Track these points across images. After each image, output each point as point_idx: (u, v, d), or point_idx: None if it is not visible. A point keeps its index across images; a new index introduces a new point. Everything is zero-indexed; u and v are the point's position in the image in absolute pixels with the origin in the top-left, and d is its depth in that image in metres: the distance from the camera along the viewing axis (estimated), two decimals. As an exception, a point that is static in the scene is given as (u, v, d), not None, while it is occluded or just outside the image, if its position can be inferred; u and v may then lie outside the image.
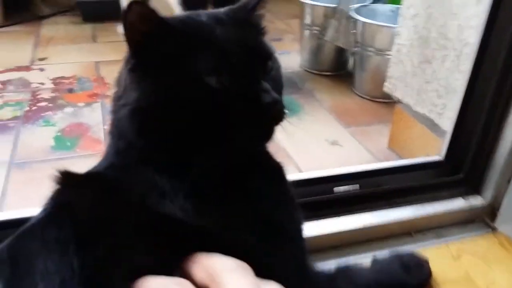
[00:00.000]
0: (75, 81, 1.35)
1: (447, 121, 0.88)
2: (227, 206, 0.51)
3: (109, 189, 0.48)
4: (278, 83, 0.49)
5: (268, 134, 0.48)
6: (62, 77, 1.36)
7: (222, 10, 0.52)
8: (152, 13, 0.42)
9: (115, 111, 0.50)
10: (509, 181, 0.76)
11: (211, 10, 0.52)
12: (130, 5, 0.41)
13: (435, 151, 0.91)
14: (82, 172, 0.48)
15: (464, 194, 0.88)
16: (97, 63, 1.47)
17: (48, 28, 1.73)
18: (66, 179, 0.47)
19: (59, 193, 0.47)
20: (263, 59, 0.47)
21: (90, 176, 0.50)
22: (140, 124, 0.45)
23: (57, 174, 0.47)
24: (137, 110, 0.44)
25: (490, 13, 0.78)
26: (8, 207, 0.86)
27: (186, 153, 0.46)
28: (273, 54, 0.49)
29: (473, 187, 0.88)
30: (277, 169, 0.59)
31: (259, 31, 0.51)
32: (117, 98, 0.50)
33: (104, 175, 0.50)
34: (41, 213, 0.46)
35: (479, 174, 0.86)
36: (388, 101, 1.20)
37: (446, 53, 0.91)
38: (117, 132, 0.51)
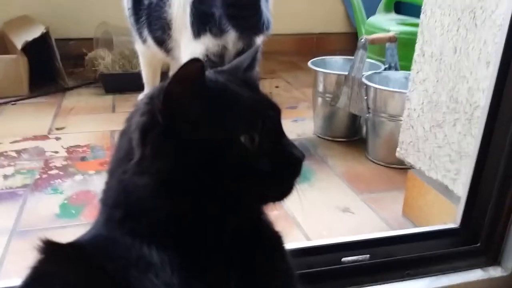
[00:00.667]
0: (88, 150, 1.36)
1: (462, 187, 0.83)
2: (218, 282, 0.48)
3: (92, 261, 0.46)
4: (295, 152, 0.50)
5: (292, 188, 0.49)
6: (77, 146, 1.39)
7: (226, 69, 0.53)
8: (203, 75, 0.43)
9: (119, 180, 0.48)
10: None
11: (218, 69, 0.53)
12: (187, 63, 0.42)
13: (451, 218, 0.86)
14: (66, 242, 0.46)
15: (483, 264, 0.81)
16: (112, 132, 1.49)
17: (70, 99, 1.79)
18: (49, 249, 0.45)
19: (40, 263, 0.45)
20: (279, 114, 0.49)
21: (74, 246, 0.48)
22: (168, 193, 0.44)
23: (40, 243, 0.45)
24: (169, 180, 0.44)
25: (499, 75, 0.76)
26: (4, 276, 0.83)
27: (200, 219, 0.45)
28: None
29: (492, 257, 0.81)
30: (275, 239, 0.56)
31: (257, 87, 0.52)
32: (122, 162, 0.48)
33: (89, 245, 0.48)
34: (22, 282, 0.44)
35: (498, 243, 0.80)
36: (402, 167, 1.16)
37: (457, 117, 0.88)
38: (113, 200, 0.49)
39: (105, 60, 1.94)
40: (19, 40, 1.85)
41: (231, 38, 1.24)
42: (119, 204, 0.48)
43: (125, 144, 0.48)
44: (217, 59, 1.27)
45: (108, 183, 0.51)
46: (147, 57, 1.64)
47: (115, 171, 0.49)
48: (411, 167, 1.03)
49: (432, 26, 0.93)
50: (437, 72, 0.92)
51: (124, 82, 1.88)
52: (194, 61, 0.43)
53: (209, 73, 0.51)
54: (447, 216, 0.90)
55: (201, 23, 1.24)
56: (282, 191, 0.50)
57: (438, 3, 0.91)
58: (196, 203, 0.46)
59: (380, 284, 0.77)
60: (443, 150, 0.92)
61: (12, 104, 1.74)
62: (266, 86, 2.03)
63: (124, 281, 0.45)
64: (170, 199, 0.45)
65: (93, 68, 1.96)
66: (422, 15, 0.96)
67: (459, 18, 0.86)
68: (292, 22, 2.64)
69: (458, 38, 0.86)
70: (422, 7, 0.96)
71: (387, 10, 1.94)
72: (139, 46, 1.61)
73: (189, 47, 1.29)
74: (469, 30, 0.84)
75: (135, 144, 0.46)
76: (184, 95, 0.43)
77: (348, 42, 2.69)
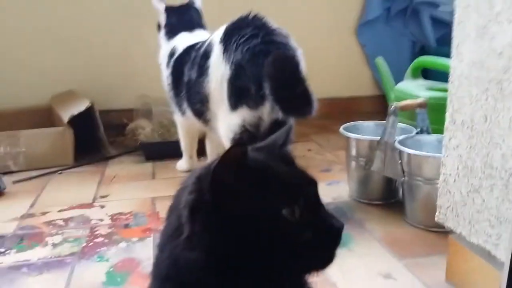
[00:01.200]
0: (131, 217, 1.42)
1: (504, 252, 0.83)
2: None
3: None
4: (336, 224, 0.53)
5: (333, 257, 0.53)
6: (120, 213, 1.45)
7: (264, 146, 0.58)
8: (246, 158, 0.48)
9: (170, 255, 0.52)
10: None
11: (257, 147, 0.58)
12: (231, 148, 0.47)
13: (495, 284, 0.85)
14: None
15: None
16: (153, 198, 1.55)
17: (113, 168, 1.89)
18: None
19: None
20: (316, 188, 0.53)
21: None
22: (217, 267, 0.49)
23: None
24: (215, 255, 0.48)
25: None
26: None
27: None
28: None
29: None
30: None
31: (293, 162, 0.57)
32: (172, 237, 0.53)
33: None
34: None
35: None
36: (443, 231, 1.16)
37: (493, 182, 0.89)
38: (164, 273, 0.53)
39: (145, 130, 2.05)
40: (66, 113, 1.99)
41: (267, 110, 1.31)
42: (170, 277, 0.52)
43: (174, 220, 0.53)
44: (253, 128, 1.33)
45: (158, 257, 0.55)
46: (185, 128, 1.73)
47: (165, 245, 0.53)
48: (451, 231, 1.03)
49: (461, 96, 0.97)
50: (470, 139, 0.95)
51: (163, 150, 1.98)
52: (237, 146, 0.48)
53: (249, 151, 0.56)
54: (492, 282, 0.89)
55: (238, 97, 1.31)
56: (323, 260, 0.53)
57: (465, 74, 0.96)
58: (243, 275, 0.49)
59: None
60: (482, 215, 0.92)
61: (59, 174, 1.84)
62: (299, 150, 2.08)
63: None
64: (219, 272, 0.49)
65: (134, 138, 2.07)
66: (450, 85, 1.01)
67: (487, 88, 0.90)
68: (322, 87, 2.71)
69: (487, 107, 0.90)
70: (450, 78, 1.01)
71: (414, 76, 2.00)
72: (178, 118, 1.71)
73: (226, 118, 1.36)
74: (497, 99, 0.87)
75: (184, 220, 0.50)
76: (229, 176, 0.48)
77: (376, 105, 2.75)
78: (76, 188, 1.69)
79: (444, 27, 2.66)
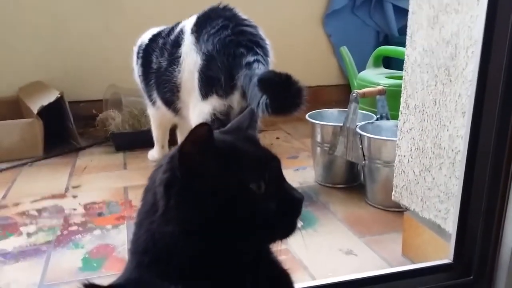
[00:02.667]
0: (104, 205, 1.45)
1: (452, 225, 0.92)
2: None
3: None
4: (297, 198, 0.59)
5: (295, 225, 0.59)
6: (93, 202, 1.47)
7: (230, 129, 0.63)
8: (211, 134, 0.53)
9: (148, 229, 0.57)
10: None
11: (224, 130, 0.62)
12: (196, 127, 0.51)
13: (445, 254, 0.94)
14: (105, 285, 0.55)
15: (475, 296, 0.88)
16: (125, 188, 1.59)
17: (83, 159, 1.90)
18: None
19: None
20: (279, 164, 0.59)
21: (113, 287, 0.56)
22: (191, 238, 0.53)
23: (81, 287, 0.54)
24: (189, 229, 0.52)
25: (473, 123, 0.86)
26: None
27: (219, 258, 0.54)
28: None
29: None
30: (285, 277, 0.65)
31: (258, 142, 0.62)
32: (148, 214, 0.57)
33: (125, 287, 0.57)
34: None
35: (489, 276, 0.87)
36: (399, 210, 1.24)
37: (442, 161, 0.98)
38: (142, 247, 0.58)
39: (115, 120, 2.06)
40: (35, 104, 1.99)
41: (236, 98, 1.36)
42: (148, 250, 0.56)
43: (150, 199, 0.57)
44: (223, 116, 1.38)
45: (136, 234, 0.60)
46: (157, 119, 1.76)
47: (143, 222, 0.58)
48: (406, 209, 1.12)
49: (414, 82, 1.05)
50: (421, 122, 1.03)
51: (133, 140, 2.00)
52: (202, 125, 0.52)
53: (217, 133, 0.61)
54: (442, 253, 0.97)
55: (208, 86, 1.36)
56: (286, 229, 0.57)
57: (418, 62, 1.03)
58: (215, 244, 0.54)
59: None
60: (433, 192, 1.01)
61: (29, 166, 1.84)
62: (268, 138, 2.14)
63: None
64: (193, 243, 0.54)
65: (104, 128, 2.08)
66: (404, 73, 1.08)
67: (436, 75, 0.98)
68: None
69: (436, 92, 0.98)
70: (404, 65, 1.08)
71: (376, 65, 2.09)
72: (150, 109, 1.74)
73: (197, 107, 1.41)
74: (445, 85, 0.95)
75: (159, 197, 0.55)
76: (196, 154, 0.51)
77: (342, 94, 2.83)
78: (48, 179, 1.70)
79: (406, 16, 2.76)
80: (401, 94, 1.09)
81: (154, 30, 1.68)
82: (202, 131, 0.51)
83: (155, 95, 1.61)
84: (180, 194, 0.53)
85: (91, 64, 2.51)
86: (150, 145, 1.88)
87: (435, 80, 0.98)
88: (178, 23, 1.56)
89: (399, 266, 1.08)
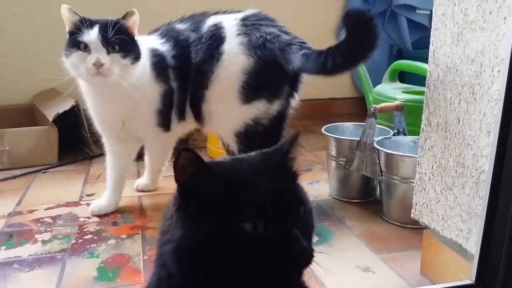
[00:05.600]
0: (119, 215, 1.45)
1: (474, 245, 0.90)
2: None
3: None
4: (308, 225, 0.57)
5: (295, 277, 0.55)
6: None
7: (258, 156, 0.60)
8: (198, 159, 0.52)
9: (160, 245, 0.57)
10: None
11: (250, 156, 0.60)
12: (180, 151, 0.51)
13: (466, 275, 0.92)
14: None
15: (497, 319, 0.86)
16: (139, 197, 1.58)
17: (97, 167, 1.90)
18: None
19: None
20: (296, 206, 0.55)
21: None
22: (180, 260, 0.53)
23: None
24: (179, 248, 0.52)
25: (499, 143, 0.85)
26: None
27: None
28: (305, 199, 0.57)
29: (506, 311, 0.86)
30: None
31: (293, 176, 0.59)
32: (163, 232, 0.58)
33: None
34: None
35: (513, 299, 0.85)
36: (417, 227, 1.23)
37: (465, 180, 0.97)
38: (160, 261, 0.59)
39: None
40: (50, 112, 2.00)
41: (277, 104, 1.40)
42: (164, 265, 0.57)
43: (164, 216, 0.58)
44: (260, 122, 1.38)
45: (157, 247, 0.60)
46: (166, 142, 1.56)
47: (161, 238, 0.58)
48: (426, 227, 1.10)
49: (436, 99, 1.04)
50: (444, 140, 1.02)
51: (146, 149, 2.00)
52: (186, 150, 0.50)
53: (228, 159, 0.59)
54: (463, 273, 0.96)
55: (256, 89, 1.35)
56: (285, 278, 0.52)
57: (440, 78, 1.03)
58: (206, 272, 0.51)
59: None
60: (455, 211, 0.99)
61: (43, 172, 1.85)
62: (281, 150, 2.14)
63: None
64: (182, 265, 0.52)
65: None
66: (426, 89, 1.08)
67: (459, 93, 0.97)
68: (303, 89, 2.80)
69: (460, 110, 0.97)
70: (426, 82, 1.08)
71: (392, 79, 2.08)
72: (158, 136, 1.49)
73: (234, 110, 1.36)
74: (469, 103, 0.94)
75: (167, 216, 0.56)
76: (189, 178, 0.52)
77: (354, 107, 2.84)
78: (62, 186, 1.70)
79: (420, 30, 2.76)
80: (423, 111, 1.08)
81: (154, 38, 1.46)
82: (187, 155, 0.51)
83: (184, 105, 1.45)
84: (176, 214, 0.54)
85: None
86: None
87: (459, 98, 0.97)
88: (183, 20, 1.46)
89: (417, 285, 1.07)
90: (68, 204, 1.53)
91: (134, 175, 1.83)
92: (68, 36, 1.32)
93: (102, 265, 1.16)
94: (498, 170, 0.86)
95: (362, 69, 2.19)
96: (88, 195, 1.62)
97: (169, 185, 1.66)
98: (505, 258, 0.87)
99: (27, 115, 2.26)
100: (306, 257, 0.54)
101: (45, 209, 1.49)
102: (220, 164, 0.58)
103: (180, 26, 1.43)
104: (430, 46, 1.06)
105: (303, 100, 2.82)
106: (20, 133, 1.93)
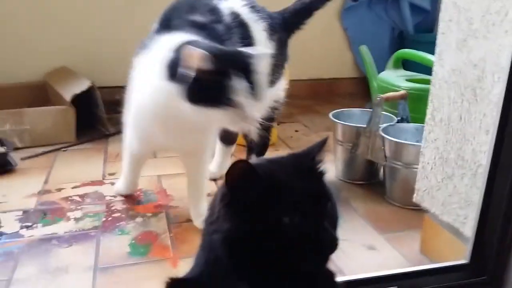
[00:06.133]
0: (141, 194, 1.56)
1: (470, 229, 1.03)
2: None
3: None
4: (334, 217, 0.68)
5: (324, 261, 0.66)
6: (130, 190, 1.58)
7: (290, 158, 0.71)
8: (252, 170, 0.62)
9: (208, 232, 0.68)
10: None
11: (282, 157, 0.70)
12: (235, 163, 0.61)
13: (462, 255, 1.05)
14: (184, 278, 0.66)
15: (489, 295, 1.00)
16: (159, 176, 1.69)
17: (114, 146, 1.99)
18: (174, 284, 0.66)
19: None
20: (324, 202, 0.66)
21: (191, 282, 0.68)
22: (230, 248, 0.63)
23: (167, 280, 0.65)
24: (228, 238, 0.63)
25: (496, 142, 0.96)
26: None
27: (263, 270, 0.64)
28: (331, 195, 0.68)
29: (497, 287, 1.00)
30: (331, 276, 0.76)
31: (320, 175, 0.70)
32: (209, 223, 0.69)
33: (200, 282, 0.68)
34: None
35: (502, 276, 0.99)
36: (418, 208, 1.35)
37: (464, 172, 1.08)
38: (208, 247, 0.70)
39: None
40: (66, 91, 2.08)
41: None
42: (211, 249, 0.68)
43: (211, 207, 0.69)
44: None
45: (203, 234, 0.71)
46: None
47: (207, 226, 0.69)
48: (426, 210, 1.23)
49: (440, 97, 1.14)
50: (446, 134, 1.13)
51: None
52: (240, 162, 0.60)
53: (265, 162, 0.69)
54: (459, 253, 1.09)
55: (276, 72, 1.44)
56: (316, 262, 0.62)
57: (445, 78, 1.13)
58: (254, 256, 0.61)
59: (408, 310, 0.96)
60: (453, 198, 1.12)
61: (63, 151, 1.95)
62: (287, 131, 2.24)
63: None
64: (232, 253, 0.62)
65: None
66: (431, 86, 1.18)
67: (462, 93, 1.07)
68: (306, 68, 2.89)
69: (462, 109, 1.08)
70: (432, 81, 1.17)
71: (396, 66, 2.18)
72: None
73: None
74: (471, 103, 1.05)
75: (216, 208, 0.66)
76: (238, 183, 0.61)
77: (356, 86, 2.93)
78: (83, 165, 1.81)
79: (422, 14, 2.83)
80: (428, 107, 1.19)
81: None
82: (241, 166, 0.60)
83: None
84: (224, 209, 0.63)
85: (114, 50, 2.57)
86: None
87: (462, 98, 1.08)
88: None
89: (418, 263, 1.20)
90: (93, 183, 1.64)
91: (150, 154, 1.93)
92: None
93: (133, 241, 1.28)
94: (494, 165, 0.98)
95: (367, 54, 2.27)
96: (110, 174, 1.72)
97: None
98: (497, 242, 0.99)
99: (40, 93, 2.33)
100: (334, 245, 0.66)
101: (72, 188, 1.60)
102: (261, 166, 0.69)
103: (200, 19, 1.45)
104: (436, 48, 1.15)
105: (307, 80, 2.95)
106: (39, 112, 2.02)
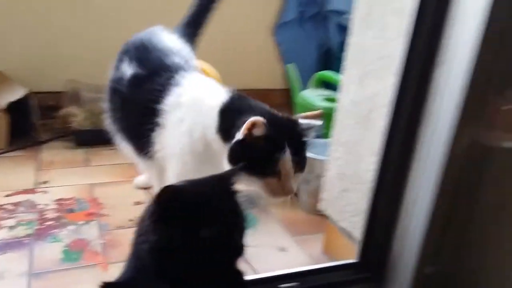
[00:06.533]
0: (74, 202, 1.65)
1: (360, 233, 1.24)
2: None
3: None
4: (242, 228, 0.82)
5: (232, 264, 0.79)
6: (63, 199, 1.66)
7: (209, 180, 0.85)
8: (179, 194, 0.75)
9: (137, 242, 0.81)
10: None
11: (205, 179, 0.84)
12: (164, 188, 0.74)
13: (354, 255, 1.26)
14: (116, 281, 0.79)
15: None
16: (91, 185, 1.78)
17: (47, 153, 2.05)
18: (108, 287, 0.78)
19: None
20: (236, 217, 0.80)
21: (121, 285, 0.81)
22: (155, 257, 0.77)
23: (101, 284, 0.77)
24: (154, 248, 0.76)
25: (381, 163, 1.17)
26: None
27: (184, 275, 0.77)
28: (241, 211, 0.83)
29: (379, 281, 1.21)
30: (240, 274, 0.91)
31: (233, 195, 0.84)
32: (139, 234, 0.81)
33: (130, 285, 0.81)
34: None
35: (383, 274, 1.20)
36: (323, 215, 1.55)
37: (358, 186, 1.29)
38: (137, 255, 0.83)
39: (77, 118, 2.21)
40: (0, 98, 2.10)
41: None
42: (139, 258, 0.81)
43: (141, 219, 0.82)
44: None
45: (133, 244, 0.84)
46: None
47: (138, 238, 0.83)
48: (328, 217, 1.43)
49: (343, 122, 1.35)
50: (346, 154, 1.34)
51: (95, 137, 2.16)
52: (170, 187, 0.72)
53: (187, 184, 0.80)
54: (352, 255, 1.30)
55: None
56: (219, 268, 0.74)
57: (347, 107, 1.33)
58: (173, 264, 0.74)
59: (307, 303, 1.15)
60: (349, 208, 1.32)
61: (-6, 158, 1.97)
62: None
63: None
64: (156, 260, 0.74)
65: (66, 125, 2.22)
66: (337, 112, 1.38)
67: (358, 121, 1.28)
68: (240, 78, 3.02)
69: (359, 134, 1.28)
70: (337, 107, 1.37)
71: (317, 86, 2.41)
72: None
73: None
74: (365, 130, 1.26)
75: (144, 222, 0.79)
76: (165, 204, 0.73)
77: (285, 98, 3.15)
78: (15, 173, 1.85)
79: (347, 33, 3.09)
80: (333, 130, 1.39)
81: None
82: (166, 192, 0.72)
83: None
84: (154, 224, 0.75)
85: (51, 56, 2.59)
86: (110, 142, 2.06)
87: (358, 125, 1.29)
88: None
89: (320, 262, 1.40)
90: (25, 191, 1.69)
91: (83, 162, 2.01)
92: None
93: (66, 248, 1.37)
94: (379, 182, 1.19)
95: (293, 73, 2.48)
96: (42, 182, 1.78)
97: (117, 173, 1.87)
98: (381, 244, 1.21)
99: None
100: (241, 252, 0.80)
101: (5, 196, 1.65)
102: (186, 188, 0.81)
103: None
104: (342, 80, 1.35)
105: (242, 89, 3.09)
106: (-30, 119, 2.02)
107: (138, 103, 1.26)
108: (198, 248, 0.73)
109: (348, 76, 1.33)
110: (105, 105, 1.45)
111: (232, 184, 0.85)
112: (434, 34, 1.00)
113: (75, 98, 2.40)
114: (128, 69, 1.32)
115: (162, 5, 2.58)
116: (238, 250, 0.77)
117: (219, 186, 0.83)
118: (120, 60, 1.37)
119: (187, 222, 0.73)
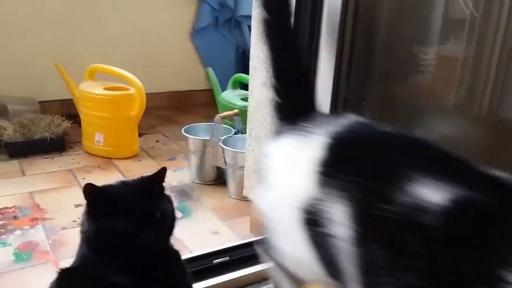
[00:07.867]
0: (17, 210, 1.76)
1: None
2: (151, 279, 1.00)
3: (86, 276, 0.97)
4: (165, 222, 0.94)
5: (148, 256, 0.87)
6: (5, 207, 1.76)
7: (137, 180, 1.02)
8: (96, 188, 0.93)
9: (80, 233, 0.98)
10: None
11: (132, 180, 1.03)
12: (86, 185, 0.92)
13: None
14: (69, 267, 0.96)
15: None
16: (30, 193, 1.89)
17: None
18: (64, 272, 0.96)
19: (59, 277, 0.95)
20: (153, 213, 0.91)
21: (74, 270, 0.98)
22: (89, 245, 0.94)
23: (58, 270, 0.94)
24: (87, 237, 0.93)
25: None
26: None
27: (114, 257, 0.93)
28: (164, 207, 0.92)
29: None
30: (176, 254, 1.11)
31: (158, 194, 1.00)
32: (81, 226, 0.98)
33: (79, 269, 0.97)
34: None
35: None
36: (249, 200, 1.80)
37: (271, 172, 1.54)
38: (80, 244, 1.00)
39: (7, 131, 2.28)
40: None
41: None
42: (80, 246, 0.98)
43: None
44: None
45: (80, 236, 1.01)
46: None
47: (81, 229, 1.00)
48: (252, 200, 1.68)
49: (254, 120, 1.59)
50: (258, 147, 1.59)
51: (27, 148, 2.26)
52: (88, 185, 0.86)
53: (116, 183, 0.94)
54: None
55: None
56: (139, 256, 0.85)
57: (255, 107, 1.58)
58: (105, 251, 0.89)
59: (236, 271, 1.39)
60: (267, 191, 1.57)
61: None
62: (149, 141, 2.57)
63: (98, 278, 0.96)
64: (90, 247, 0.90)
65: (-3, 139, 2.28)
66: (248, 112, 1.62)
67: (265, 119, 1.53)
68: (164, 82, 3.24)
69: (266, 129, 1.53)
70: (248, 107, 1.62)
71: (234, 87, 2.65)
72: None
73: None
74: (270, 127, 1.51)
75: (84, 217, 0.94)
76: (91, 198, 0.88)
77: (210, 97, 3.36)
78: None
79: (260, 35, 3.36)
80: (247, 126, 1.63)
81: None
82: (88, 187, 0.87)
83: None
84: (87, 216, 0.90)
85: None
86: (41, 152, 2.17)
87: (265, 122, 1.54)
88: None
89: (247, 239, 1.64)
90: (-34, 204, 1.77)
91: (18, 173, 2.10)
92: None
93: (16, 251, 1.50)
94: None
95: (212, 76, 2.70)
96: (-19, 195, 1.86)
97: (54, 180, 1.99)
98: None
99: None
100: (153, 245, 0.87)
101: None
102: (109, 187, 0.97)
103: None
104: (249, 84, 1.59)
105: (166, 92, 3.30)
106: None
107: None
108: (119, 238, 0.85)
109: (253, 80, 1.57)
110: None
111: (158, 184, 0.96)
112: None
113: (2, 111, 2.45)
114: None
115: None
116: (148, 243, 0.85)
117: (144, 185, 0.94)
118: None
119: (108, 216, 0.87)
